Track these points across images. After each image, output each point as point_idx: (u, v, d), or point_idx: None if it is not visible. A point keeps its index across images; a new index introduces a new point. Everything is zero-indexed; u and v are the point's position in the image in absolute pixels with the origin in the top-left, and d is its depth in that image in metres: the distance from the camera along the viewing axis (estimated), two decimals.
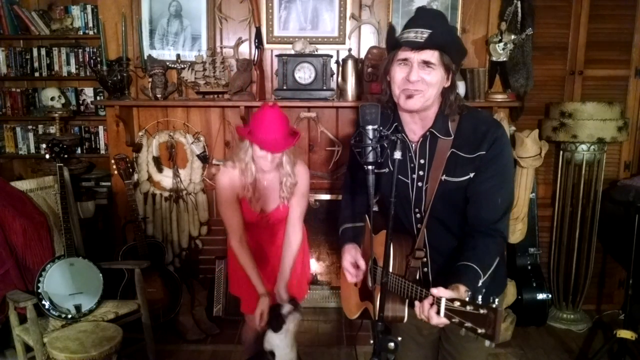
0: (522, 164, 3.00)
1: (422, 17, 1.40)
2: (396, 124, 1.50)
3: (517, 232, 3.07)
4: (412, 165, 1.49)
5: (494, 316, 1.04)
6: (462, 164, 1.42)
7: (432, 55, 1.36)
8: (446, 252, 1.48)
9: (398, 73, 1.41)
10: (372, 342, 1.39)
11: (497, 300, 1.06)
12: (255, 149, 2.00)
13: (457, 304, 1.13)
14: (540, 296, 3.21)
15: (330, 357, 2.91)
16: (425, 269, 1.53)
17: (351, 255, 1.60)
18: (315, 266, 3.45)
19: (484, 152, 1.40)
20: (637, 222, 2.63)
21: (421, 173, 1.47)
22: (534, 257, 3.31)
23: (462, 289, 1.23)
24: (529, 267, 3.28)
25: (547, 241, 3.39)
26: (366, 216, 1.69)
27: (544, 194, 3.48)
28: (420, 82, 1.38)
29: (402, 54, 1.39)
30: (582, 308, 3.35)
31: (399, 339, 1.35)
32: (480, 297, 1.10)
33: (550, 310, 3.33)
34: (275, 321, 2.09)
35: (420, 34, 1.35)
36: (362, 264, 1.58)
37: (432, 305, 1.19)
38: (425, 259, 1.50)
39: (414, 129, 1.49)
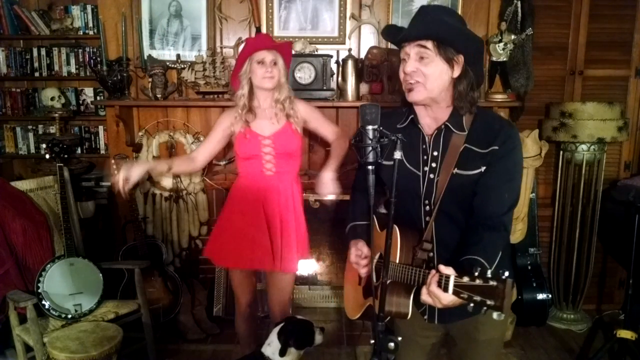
0: (523, 164, 2.99)
1: (417, 13, 1.44)
2: (412, 116, 1.53)
3: (517, 232, 3.07)
4: (425, 157, 1.49)
5: (503, 287, 1.08)
6: (475, 158, 1.43)
7: (425, 46, 1.39)
8: (452, 246, 1.47)
9: (400, 68, 1.47)
10: (372, 342, 1.39)
11: (506, 272, 1.09)
12: (253, 65, 2.11)
13: (465, 279, 1.16)
14: (541, 296, 3.21)
15: (331, 357, 2.91)
16: (432, 264, 1.51)
17: (357, 247, 1.60)
18: (316, 266, 3.44)
19: (496, 147, 1.42)
20: (637, 222, 2.63)
21: (434, 165, 1.48)
22: (534, 257, 3.30)
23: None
24: (529, 267, 3.28)
25: (547, 241, 3.39)
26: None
27: (544, 194, 3.48)
28: (417, 73, 1.41)
29: (402, 50, 1.45)
30: (582, 308, 3.35)
31: (399, 338, 1.36)
32: (489, 272, 1.13)
33: (550, 310, 3.33)
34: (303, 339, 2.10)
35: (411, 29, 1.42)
36: (368, 254, 1.57)
37: (439, 284, 1.21)
38: (432, 254, 1.50)
39: (428, 122, 1.51)
